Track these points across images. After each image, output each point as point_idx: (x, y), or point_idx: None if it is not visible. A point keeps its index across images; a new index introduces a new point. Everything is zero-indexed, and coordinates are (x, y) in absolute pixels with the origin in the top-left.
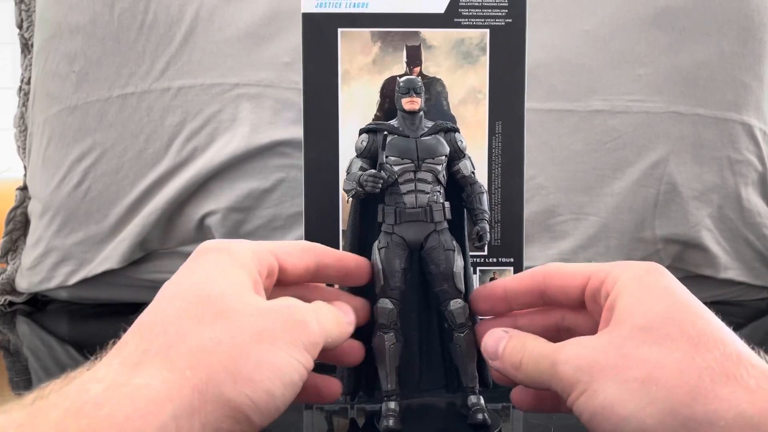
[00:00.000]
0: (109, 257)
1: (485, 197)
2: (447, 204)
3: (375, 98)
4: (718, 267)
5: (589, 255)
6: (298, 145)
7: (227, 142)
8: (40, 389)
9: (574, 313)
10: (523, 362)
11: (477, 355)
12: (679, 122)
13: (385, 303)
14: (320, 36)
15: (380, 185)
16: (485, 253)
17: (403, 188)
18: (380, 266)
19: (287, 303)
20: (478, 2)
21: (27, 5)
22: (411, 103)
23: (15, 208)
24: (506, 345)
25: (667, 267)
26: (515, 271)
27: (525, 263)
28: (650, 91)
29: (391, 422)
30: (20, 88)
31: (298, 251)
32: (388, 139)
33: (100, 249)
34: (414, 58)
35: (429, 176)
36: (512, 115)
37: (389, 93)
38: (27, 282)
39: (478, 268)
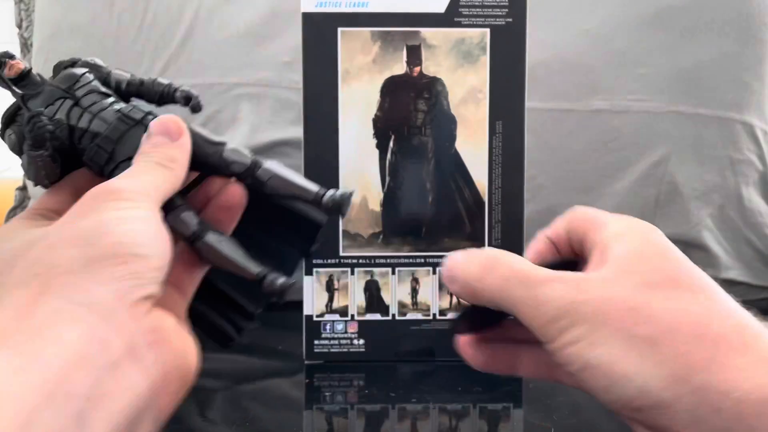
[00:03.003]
0: None
1: (161, 78)
2: (137, 102)
3: (375, 98)
4: (719, 267)
5: None
6: (298, 145)
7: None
8: None
9: None
10: (488, 278)
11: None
12: (680, 122)
13: (176, 215)
14: (320, 36)
15: (45, 122)
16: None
17: (83, 122)
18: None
19: (87, 193)
20: (479, 2)
21: (26, 5)
22: (14, 68)
23: (14, 208)
24: (465, 257)
25: None
26: None
27: None
28: (651, 90)
29: (281, 279)
30: None
31: (55, 190)
32: (31, 101)
33: None
34: (414, 58)
35: (93, 96)
36: (512, 114)
37: (389, 92)
38: None
39: None
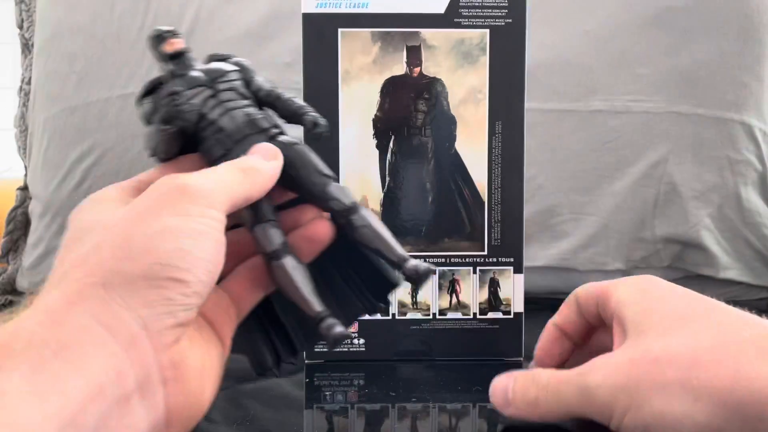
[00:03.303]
0: None
1: (298, 99)
2: (270, 112)
3: (375, 98)
4: (718, 267)
5: (589, 255)
6: None
7: None
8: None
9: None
10: (540, 397)
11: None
12: (679, 122)
13: (264, 228)
14: (320, 36)
15: (180, 101)
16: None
17: (213, 115)
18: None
19: (160, 181)
20: (479, 2)
21: (27, 5)
22: (173, 45)
23: (15, 208)
24: (514, 387)
25: (667, 267)
26: (515, 272)
27: (525, 263)
28: (650, 91)
29: (338, 328)
30: (21, 88)
31: (162, 168)
32: (170, 82)
33: None
34: (414, 58)
35: (231, 94)
36: (512, 115)
37: (389, 92)
38: (28, 282)
39: (477, 268)
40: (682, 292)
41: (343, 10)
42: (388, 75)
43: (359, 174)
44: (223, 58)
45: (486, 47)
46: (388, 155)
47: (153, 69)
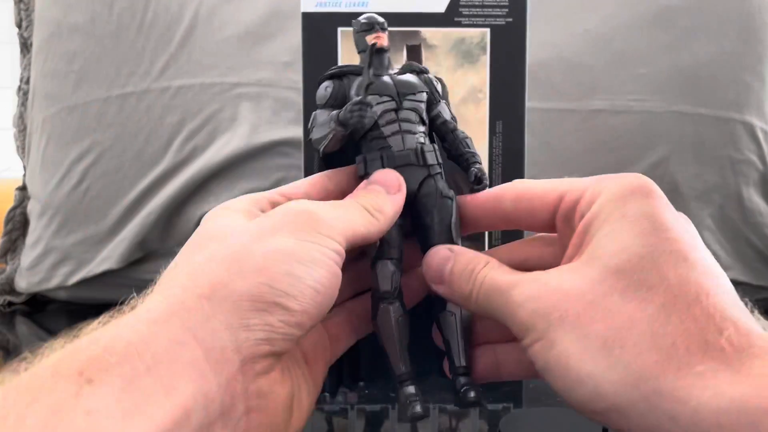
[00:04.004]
0: (109, 257)
1: (471, 141)
2: (436, 146)
3: None
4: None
5: None
6: (298, 145)
7: (227, 141)
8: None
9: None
10: (473, 294)
11: (471, 330)
12: (680, 122)
13: (386, 265)
14: (320, 35)
15: (367, 116)
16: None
17: (387, 130)
18: None
19: (291, 202)
20: (479, 1)
21: (26, 4)
22: (379, 39)
23: (14, 208)
24: (452, 269)
25: None
26: None
27: None
28: (651, 90)
29: (417, 407)
30: (19, 88)
31: (306, 184)
32: (358, 80)
33: (100, 249)
34: (414, 58)
35: (413, 115)
36: (513, 114)
37: None
38: (26, 282)
39: None
40: (662, 224)
41: (343, 9)
42: None
43: None
44: (420, 71)
45: (486, 46)
46: None
47: (153, 69)
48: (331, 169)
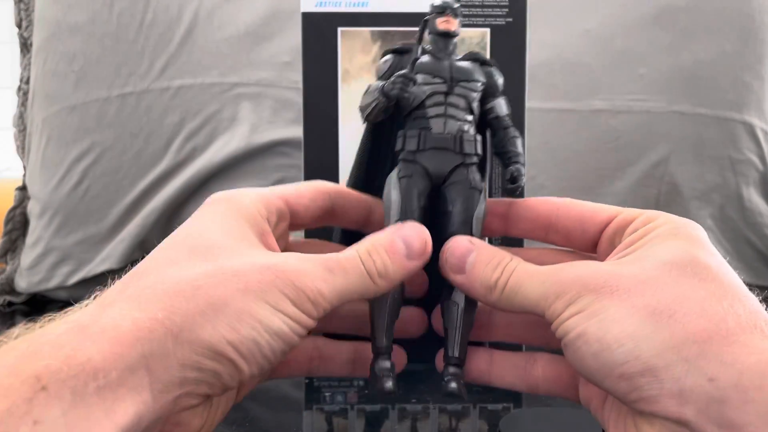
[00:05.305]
0: (109, 257)
1: (520, 142)
2: (479, 138)
3: None
4: None
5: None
6: (297, 145)
7: (227, 141)
8: (5, 334)
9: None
10: (500, 283)
11: (472, 325)
12: (680, 122)
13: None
14: (320, 35)
15: (409, 89)
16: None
17: (431, 111)
18: (398, 198)
19: (283, 257)
20: (479, 1)
21: (26, 4)
22: (447, 23)
23: (14, 208)
24: (476, 259)
25: None
26: None
27: None
28: (651, 90)
29: (389, 383)
30: (19, 88)
31: (311, 191)
32: (420, 58)
33: (100, 249)
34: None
35: (461, 102)
36: (513, 114)
37: None
38: (26, 282)
39: None
40: (709, 245)
41: (343, 8)
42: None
43: None
44: (484, 62)
45: (486, 46)
46: None
47: (152, 69)
48: (336, 187)
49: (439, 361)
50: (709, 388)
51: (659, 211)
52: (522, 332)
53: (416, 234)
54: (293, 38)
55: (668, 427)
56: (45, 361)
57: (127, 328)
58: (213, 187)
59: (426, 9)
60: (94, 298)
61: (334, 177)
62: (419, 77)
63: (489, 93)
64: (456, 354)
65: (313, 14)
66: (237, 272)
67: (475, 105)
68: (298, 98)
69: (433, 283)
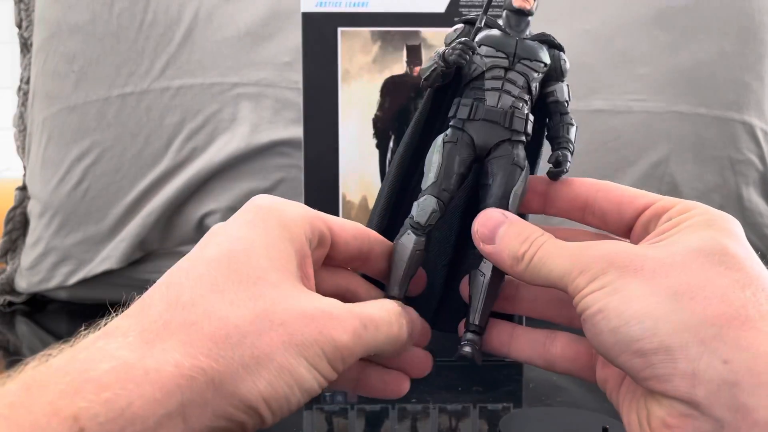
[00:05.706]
0: (109, 257)
1: (574, 130)
2: (531, 117)
3: (375, 98)
4: None
5: None
6: (298, 145)
7: (227, 141)
8: (44, 355)
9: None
10: (528, 255)
11: (496, 296)
12: (680, 122)
13: (430, 200)
14: (320, 35)
15: (467, 56)
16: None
17: (489, 84)
18: (439, 161)
19: (326, 307)
20: (479, 1)
21: (26, 5)
22: (524, 1)
23: (14, 208)
24: (507, 231)
25: None
26: None
27: None
28: (651, 90)
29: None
30: (19, 88)
31: (355, 228)
32: (487, 32)
33: (100, 249)
34: (414, 58)
35: (520, 80)
36: None
37: (389, 92)
38: (26, 282)
39: None
40: (742, 236)
41: (343, 9)
42: (388, 74)
43: (359, 174)
44: (552, 45)
45: None
46: (388, 155)
47: (152, 69)
48: (377, 235)
49: (461, 329)
50: (723, 370)
51: (696, 202)
52: (546, 308)
53: (422, 327)
54: (293, 38)
55: (678, 409)
56: (85, 403)
57: (170, 374)
58: (213, 188)
59: (426, 9)
60: (132, 305)
61: (334, 177)
62: (483, 49)
63: (552, 76)
64: (476, 321)
65: (313, 14)
66: (284, 322)
67: (535, 85)
68: (298, 98)
69: (465, 255)
